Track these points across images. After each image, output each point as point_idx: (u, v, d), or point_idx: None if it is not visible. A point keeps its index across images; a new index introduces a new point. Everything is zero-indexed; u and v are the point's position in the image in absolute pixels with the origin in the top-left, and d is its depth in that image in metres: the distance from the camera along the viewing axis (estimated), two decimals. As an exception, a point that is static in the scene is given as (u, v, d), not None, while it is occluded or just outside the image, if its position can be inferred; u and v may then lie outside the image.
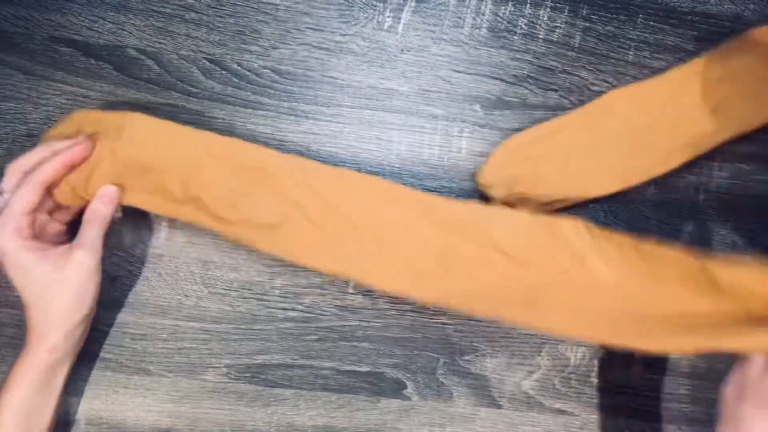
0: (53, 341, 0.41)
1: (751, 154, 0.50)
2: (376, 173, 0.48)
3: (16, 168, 0.41)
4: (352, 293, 0.49)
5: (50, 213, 0.43)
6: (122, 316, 0.48)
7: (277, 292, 0.48)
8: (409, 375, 0.49)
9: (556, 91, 0.49)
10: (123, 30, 0.47)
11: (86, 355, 0.48)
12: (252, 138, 0.48)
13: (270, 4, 0.48)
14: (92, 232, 0.42)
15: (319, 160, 0.48)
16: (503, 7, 0.49)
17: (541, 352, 0.49)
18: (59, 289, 0.40)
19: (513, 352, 0.49)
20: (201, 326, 0.48)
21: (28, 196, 0.40)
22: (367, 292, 0.49)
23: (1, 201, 0.41)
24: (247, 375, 0.48)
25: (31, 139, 0.47)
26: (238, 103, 0.48)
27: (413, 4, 0.48)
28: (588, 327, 0.41)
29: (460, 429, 0.49)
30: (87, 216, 0.42)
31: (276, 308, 0.48)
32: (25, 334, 0.42)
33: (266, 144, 0.48)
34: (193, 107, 0.48)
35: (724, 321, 0.40)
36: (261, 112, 0.48)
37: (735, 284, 0.40)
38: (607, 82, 0.49)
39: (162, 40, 0.47)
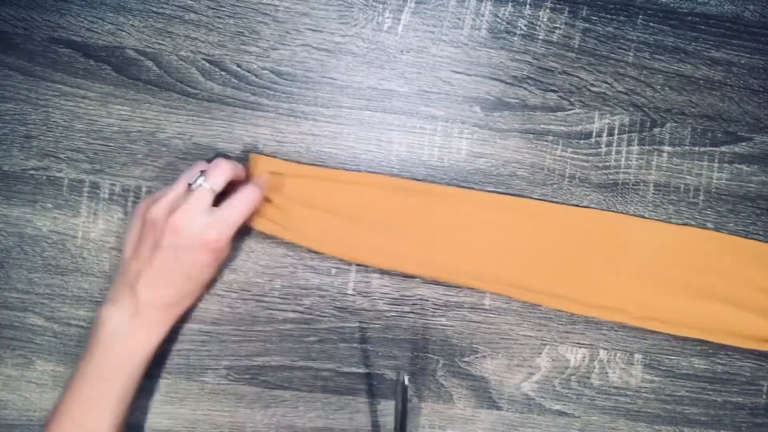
0: (166, 327, 0.43)
1: (750, 155, 0.50)
2: (377, 174, 0.48)
3: (197, 168, 0.43)
4: (351, 294, 0.48)
5: None
6: (121, 318, 0.48)
7: (276, 293, 0.48)
8: (408, 377, 0.49)
9: (555, 92, 0.49)
10: (122, 31, 0.47)
11: (85, 357, 0.48)
12: (252, 139, 0.48)
13: (269, 5, 0.48)
14: (231, 214, 0.42)
15: (318, 162, 0.48)
16: (503, 8, 0.49)
17: (540, 353, 0.49)
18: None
19: (513, 353, 0.49)
20: (200, 328, 0.48)
21: (221, 178, 0.41)
22: (367, 294, 0.48)
23: (193, 187, 0.41)
24: (247, 377, 0.48)
25: (29, 140, 0.47)
26: (237, 104, 0.48)
27: (413, 5, 0.48)
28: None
29: (459, 431, 0.49)
30: (235, 200, 0.42)
31: (275, 310, 0.48)
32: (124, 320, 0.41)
33: (265, 145, 0.48)
34: (193, 108, 0.48)
35: None
36: (260, 113, 0.48)
37: None
38: (607, 83, 0.49)
39: (161, 41, 0.47)
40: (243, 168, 0.44)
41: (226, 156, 0.47)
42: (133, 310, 0.41)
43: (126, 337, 0.41)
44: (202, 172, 0.41)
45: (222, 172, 0.41)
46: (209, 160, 0.45)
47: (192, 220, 0.39)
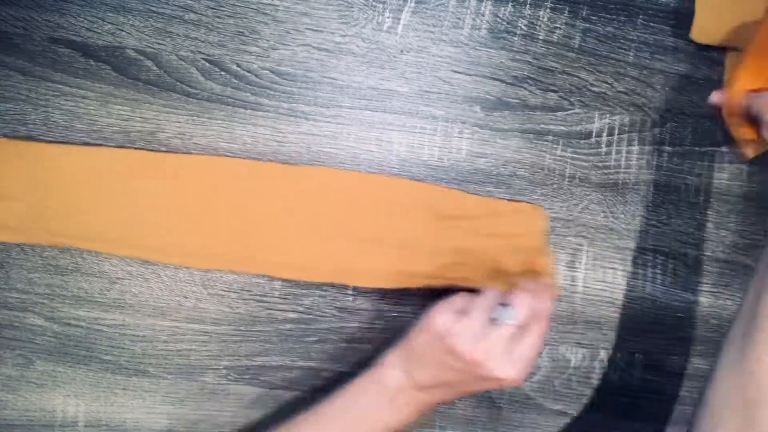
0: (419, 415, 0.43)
1: (751, 155, 0.50)
2: (377, 174, 0.48)
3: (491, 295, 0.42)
4: (351, 294, 0.48)
5: None
6: (121, 318, 0.48)
7: (276, 293, 0.48)
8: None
9: (556, 92, 0.49)
10: (122, 31, 0.47)
11: (85, 357, 0.48)
12: (252, 139, 0.48)
13: (269, 4, 0.48)
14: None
15: (318, 162, 0.48)
16: (503, 8, 0.49)
17: (541, 353, 0.49)
18: None
19: (513, 353, 0.49)
20: (200, 328, 0.48)
21: (527, 313, 0.40)
22: (367, 294, 0.48)
23: (500, 322, 0.40)
24: (247, 377, 0.48)
25: (29, 140, 0.47)
26: (237, 104, 0.48)
27: (413, 4, 0.48)
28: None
29: (460, 431, 0.49)
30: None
31: (275, 310, 0.48)
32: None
33: (265, 146, 0.48)
34: (193, 108, 0.48)
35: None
36: (260, 113, 0.48)
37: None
38: (607, 83, 0.49)
39: (161, 41, 0.47)
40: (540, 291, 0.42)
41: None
42: (401, 389, 0.42)
43: (388, 404, 0.42)
44: (505, 305, 0.40)
45: (528, 309, 0.40)
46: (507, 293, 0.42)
47: (495, 358, 0.39)
